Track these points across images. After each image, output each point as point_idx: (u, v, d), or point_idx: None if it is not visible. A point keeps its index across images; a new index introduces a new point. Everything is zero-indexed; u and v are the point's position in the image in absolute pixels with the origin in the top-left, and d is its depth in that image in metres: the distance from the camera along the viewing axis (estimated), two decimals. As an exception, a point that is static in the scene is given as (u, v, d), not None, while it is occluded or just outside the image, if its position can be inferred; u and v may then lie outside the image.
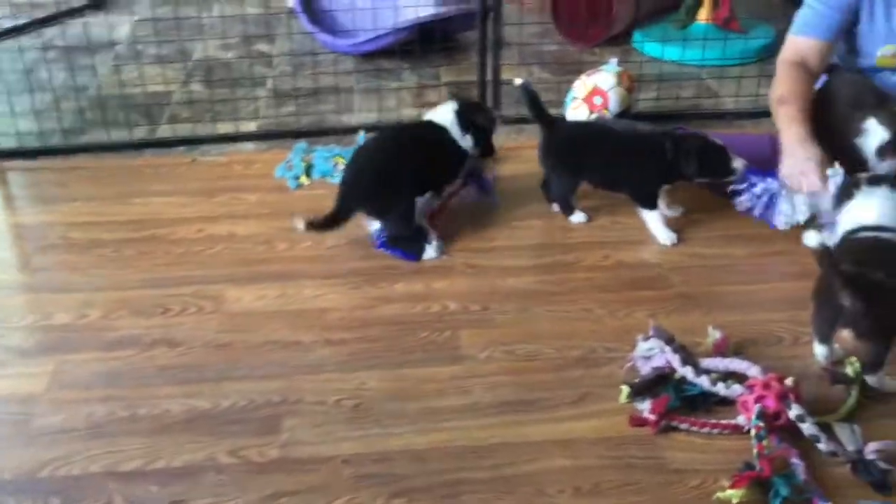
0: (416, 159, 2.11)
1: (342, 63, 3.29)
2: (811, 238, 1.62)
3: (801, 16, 2.29)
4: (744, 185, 2.19)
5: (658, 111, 2.89)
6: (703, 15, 3.43)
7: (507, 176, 2.52)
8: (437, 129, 2.18)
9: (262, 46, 3.50)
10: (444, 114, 2.19)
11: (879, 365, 1.64)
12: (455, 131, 2.16)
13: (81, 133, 2.82)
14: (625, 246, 2.18)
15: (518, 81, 2.24)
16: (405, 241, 2.13)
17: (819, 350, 1.72)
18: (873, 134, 2.10)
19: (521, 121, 2.87)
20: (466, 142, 2.17)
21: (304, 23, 3.49)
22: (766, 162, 2.19)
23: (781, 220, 2.15)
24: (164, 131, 2.84)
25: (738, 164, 2.14)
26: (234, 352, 1.83)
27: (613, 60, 2.77)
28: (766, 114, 2.83)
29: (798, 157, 2.07)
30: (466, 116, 2.17)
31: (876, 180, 1.88)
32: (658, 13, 3.63)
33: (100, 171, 2.59)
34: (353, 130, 2.73)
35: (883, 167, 2.08)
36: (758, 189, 2.17)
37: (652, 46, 3.39)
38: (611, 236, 2.23)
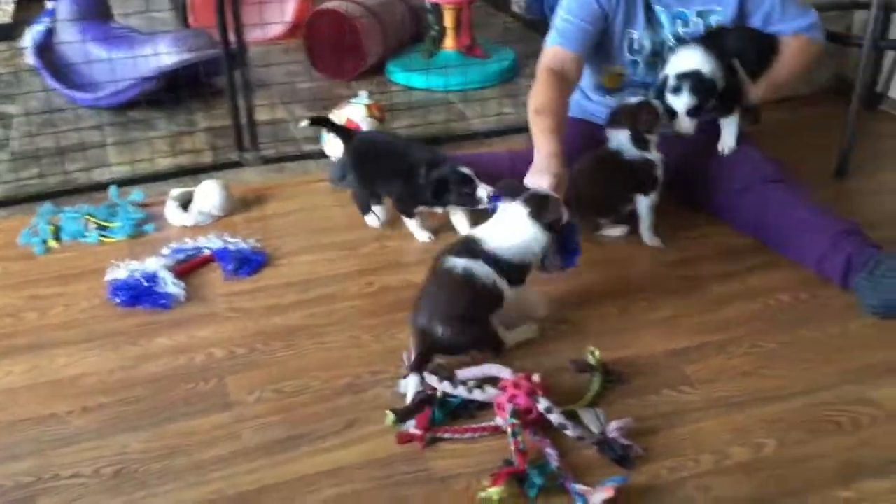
0: None
1: (91, 118, 3.16)
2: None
3: (561, 28, 2.33)
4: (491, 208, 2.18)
5: (413, 136, 2.99)
6: (448, 43, 3.61)
7: (270, 214, 2.53)
8: None
9: (2, 108, 3.29)
10: None
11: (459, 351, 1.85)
12: None
13: None
14: (387, 270, 2.24)
15: (304, 123, 2.49)
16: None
17: None
18: None
19: (281, 159, 2.89)
20: None
21: (46, 79, 3.33)
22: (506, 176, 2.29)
23: None
24: None
25: (482, 192, 2.17)
26: (-22, 437, 1.70)
27: (363, 93, 2.86)
28: (510, 131, 3.04)
29: (544, 174, 2.08)
30: None
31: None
32: (407, 44, 3.79)
33: None
34: (105, 187, 2.63)
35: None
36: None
37: (401, 76, 3.52)
38: (376, 262, 2.28)
